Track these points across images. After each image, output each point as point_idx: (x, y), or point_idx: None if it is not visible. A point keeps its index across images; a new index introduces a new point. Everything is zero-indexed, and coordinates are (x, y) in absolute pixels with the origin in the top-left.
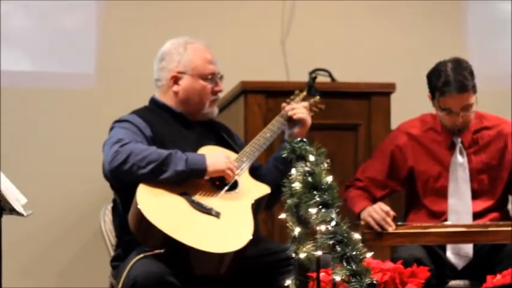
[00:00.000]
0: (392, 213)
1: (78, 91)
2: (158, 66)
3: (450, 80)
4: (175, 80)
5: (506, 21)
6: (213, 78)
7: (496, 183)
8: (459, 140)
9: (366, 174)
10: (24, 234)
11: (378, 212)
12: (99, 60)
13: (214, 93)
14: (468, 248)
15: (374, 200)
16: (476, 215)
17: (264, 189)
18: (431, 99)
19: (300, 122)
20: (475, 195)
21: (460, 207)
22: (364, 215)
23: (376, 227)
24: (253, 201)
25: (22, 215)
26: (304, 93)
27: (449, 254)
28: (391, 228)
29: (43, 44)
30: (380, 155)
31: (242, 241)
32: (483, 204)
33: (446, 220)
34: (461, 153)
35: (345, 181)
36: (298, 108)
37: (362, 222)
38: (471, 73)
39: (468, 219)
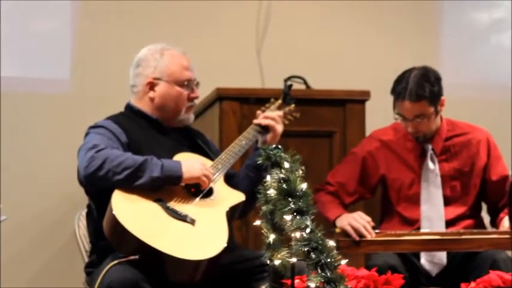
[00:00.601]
0: (372, 223)
1: (53, 96)
2: (134, 72)
3: (407, 87)
4: (151, 86)
5: (481, 31)
6: (189, 84)
7: (469, 190)
8: (430, 147)
9: (336, 179)
10: None
11: (358, 221)
12: (74, 65)
13: (191, 99)
14: (442, 255)
15: (344, 206)
16: (450, 222)
17: (239, 197)
18: (393, 103)
19: (270, 130)
20: (448, 202)
21: (433, 213)
22: (343, 223)
23: (354, 235)
24: (228, 209)
25: None
26: (280, 101)
27: (424, 261)
28: (370, 236)
29: (16, 48)
30: (351, 161)
31: (217, 248)
32: (456, 211)
33: (419, 227)
34: (432, 160)
35: None
36: (269, 116)
37: (338, 230)
38: (434, 84)
39: (441, 226)
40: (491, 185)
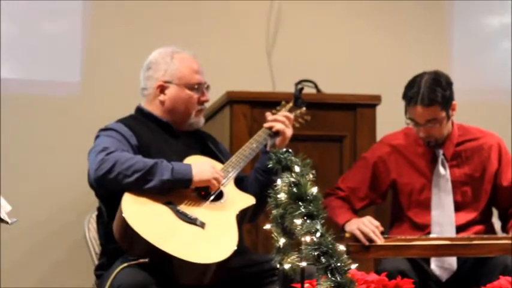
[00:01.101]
0: (381, 228)
1: (63, 99)
2: (145, 75)
3: (419, 92)
4: (162, 89)
5: (493, 35)
6: (199, 88)
7: (480, 195)
8: (441, 152)
9: (347, 184)
10: (6, 240)
11: (367, 225)
12: (84, 68)
13: (201, 103)
14: (452, 261)
15: (354, 211)
16: (460, 228)
17: (249, 200)
18: (405, 109)
19: (280, 133)
20: (459, 207)
21: (443, 219)
22: (352, 227)
23: (363, 240)
24: (238, 212)
25: (6, 222)
26: (291, 104)
27: (434, 267)
28: (380, 241)
29: (27, 50)
30: (362, 166)
31: (226, 252)
32: (467, 216)
33: (429, 232)
34: (443, 165)
35: None
36: (279, 120)
37: (348, 235)
38: (445, 89)
39: (451, 231)
40: (502, 191)
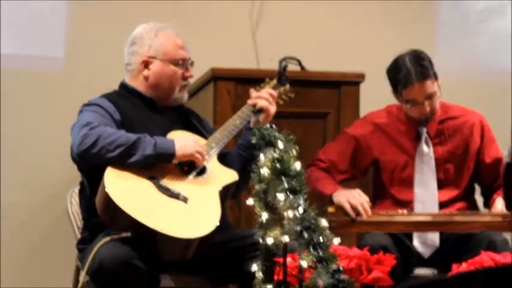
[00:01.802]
0: (369, 203)
1: (47, 74)
2: (129, 50)
3: (410, 71)
4: (146, 64)
5: (477, 15)
6: (183, 63)
7: (462, 172)
8: (424, 130)
9: (328, 157)
10: None
11: (356, 198)
12: (68, 43)
13: (185, 78)
14: (434, 237)
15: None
16: (443, 205)
17: (232, 176)
18: (395, 94)
19: (263, 110)
20: (441, 185)
21: (426, 197)
22: (340, 198)
23: (351, 212)
24: (221, 188)
25: None
26: (275, 81)
27: (416, 243)
28: (366, 216)
29: (10, 25)
30: (344, 140)
31: (209, 227)
32: (449, 193)
33: (412, 209)
34: (426, 143)
35: None
36: (262, 97)
37: (331, 209)
38: (430, 62)
39: (434, 209)
40: (485, 168)
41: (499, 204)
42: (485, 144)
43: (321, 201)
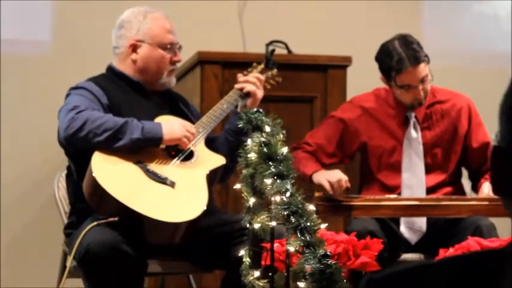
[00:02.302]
0: (348, 184)
1: (33, 58)
2: (117, 33)
3: (403, 56)
4: (134, 48)
5: None
6: (171, 48)
7: (449, 157)
8: (413, 115)
9: (315, 140)
10: None
11: (334, 176)
12: (55, 27)
13: (173, 63)
14: (422, 223)
15: (322, 165)
16: (430, 190)
17: (219, 160)
18: (386, 80)
19: (251, 95)
20: (429, 169)
21: (414, 182)
22: (319, 177)
23: (330, 190)
24: (208, 172)
25: None
26: (262, 65)
27: (403, 229)
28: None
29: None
30: (331, 124)
31: (196, 211)
32: (436, 178)
33: (400, 194)
34: (415, 128)
35: None
36: (250, 81)
37: (317, 194)
38: (419, 45)
39: (421, 194)
40: (473, 152)
41: (486, 189)
42: (473, 128)
43: (303, 182)
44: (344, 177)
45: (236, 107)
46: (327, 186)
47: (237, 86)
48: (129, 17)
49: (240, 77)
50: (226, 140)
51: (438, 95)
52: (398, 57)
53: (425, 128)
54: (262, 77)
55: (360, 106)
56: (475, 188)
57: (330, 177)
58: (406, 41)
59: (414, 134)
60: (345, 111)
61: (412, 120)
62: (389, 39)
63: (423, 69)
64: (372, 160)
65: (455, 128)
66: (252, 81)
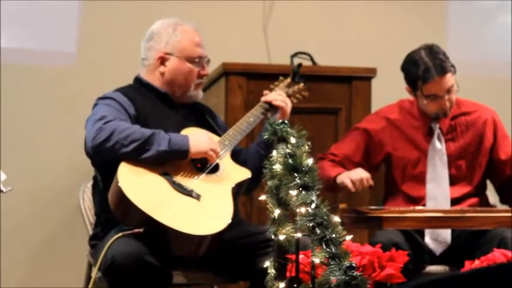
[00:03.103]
0: (371, 181)
1: (60, 69)
2: (146, 45)
3: (430, 66)
4: (162, 60)
5: (489, 9)
6: (200, 61)
7: (474, 169)
8: (437, 126)
9: (341, 151)
10: (1, 210)
11: (357, 175)
12: (81, 38)
13: (200, 76)
14: (446, 234)
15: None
16: (455, 201)
17: (245, 173)
18: (412, 90)
19: (279, 109)
20: (453, 181)
21: (438, 193)
22: (342, 177)
23: (351, 186)
24: (233, 185)
25: (1, 191)
26: (289, 79)
27: (428, 240)
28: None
29: (23, 19)
30: (356, 135)
31: (221, 224)
32: (461, 190)
33: (424, 205)
34: (439, 139)
35: None
36: (278, 96)
37: (342, 206)
38: (445, 55)
39: (446, 205)
40: (501, 164)
41: None
42: (499, 140)
43: (328, 189)
44: (366, 175)
45: (265, 120)
46: (349, 184)
47: (263, 98)
48: (159, 28)
49: (267, 93)
50: (257, 153)
51: (463, 106)
52: (425, 67)
53: (450, 139)
54: (289, 92)
55: (384, 117)
56: (504, 200)
57: (352, 176)
58: (432, 51)
59: (438, 145)
60: (369, 122)
61: (437, 131)
62: (416, 49)
63: (449, 79)
64: (396, 171)
65: (480, 141)
66: (280, 95)
